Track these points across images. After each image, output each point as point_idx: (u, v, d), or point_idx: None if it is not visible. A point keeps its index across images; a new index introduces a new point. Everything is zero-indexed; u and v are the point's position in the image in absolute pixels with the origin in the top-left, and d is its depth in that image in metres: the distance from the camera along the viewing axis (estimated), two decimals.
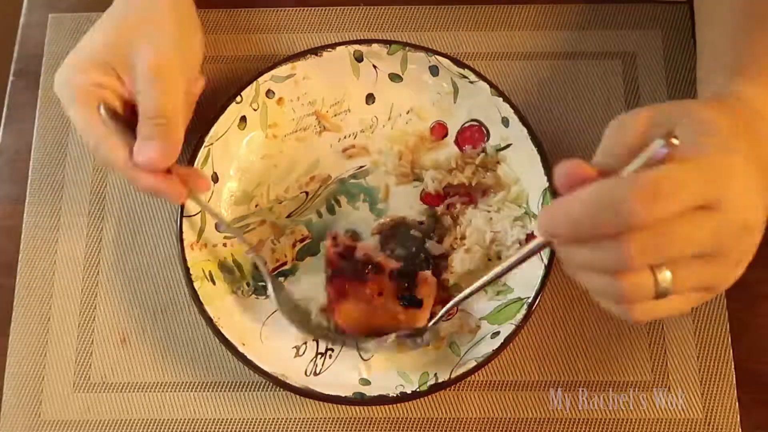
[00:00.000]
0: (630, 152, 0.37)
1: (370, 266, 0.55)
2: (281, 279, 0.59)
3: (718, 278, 0.39)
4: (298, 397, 0.55)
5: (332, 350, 0.57)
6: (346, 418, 0.56)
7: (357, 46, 0.60)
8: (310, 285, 0.58)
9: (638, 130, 0.38)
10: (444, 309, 0.54)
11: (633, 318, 0.38)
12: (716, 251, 0.37)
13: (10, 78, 0.66)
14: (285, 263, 0.59)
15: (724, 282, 0.39)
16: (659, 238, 0.35)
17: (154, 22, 0.53)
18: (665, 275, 0.36)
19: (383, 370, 0.56)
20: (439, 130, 0.61)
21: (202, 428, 0.56)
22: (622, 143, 0.38)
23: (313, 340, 0.56)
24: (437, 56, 0.59)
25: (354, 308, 0.55)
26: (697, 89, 0.53)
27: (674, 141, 0.35)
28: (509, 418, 0.56)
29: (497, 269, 0.46)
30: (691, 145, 0.37)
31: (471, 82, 0.59)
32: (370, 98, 0.62)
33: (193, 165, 0.57)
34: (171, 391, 0.57)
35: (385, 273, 0.55)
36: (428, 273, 0.56)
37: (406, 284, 0.55)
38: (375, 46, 0.60)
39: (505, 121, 0.58)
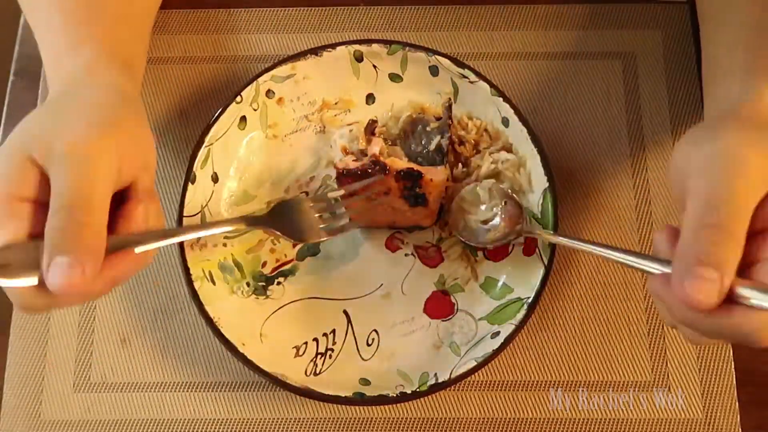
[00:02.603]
0: (744, 233, 0.37)
1: (376, 167, 0.54)
2: (281, 279, 0.59)
3: None
4: (298, 397, 0.55)
5: (332, 350, 0.57)
6: (346, 418, 0.56)
7: (357, 46, 0.60)
8: (310, 285, 0.58)
9: (754, 205, 0.38)
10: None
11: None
12: None
13: (10, 78, 0.66)
14: (285, 263, 0.59)
15: None
16: None
17: (83, 105, 0.45)
18: None
19: (383, 370, 0.56)
20: None
21: (202, 428, 0.56)
22: (740, 225, 0.37)
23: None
24: (437, 56, 0.59)
25: (362, 204, 0.55)
26: (704, 95, 0.52)
27: None
28: (509, 418, 0.56)
29: (607, 252, 0.45)
30: None
31: (471, 82, 0.59)
32: (370, 98, 0.62)
33: (193, 165, 0.57)
34: (171, 391, 0.57)
35: (391, 173, 0.54)
36: (438, 169, 0.55)
37: (410, 184, 0.54)
38: (375, 46, 0.60)
39: (505, 121, 0.58)
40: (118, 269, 0.42)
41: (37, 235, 0.40)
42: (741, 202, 0.37)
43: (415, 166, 0.54)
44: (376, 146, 0.55)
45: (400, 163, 0.55)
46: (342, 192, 0.55)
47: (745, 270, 0.37)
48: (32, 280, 0.39)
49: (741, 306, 0.36)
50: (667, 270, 0.39)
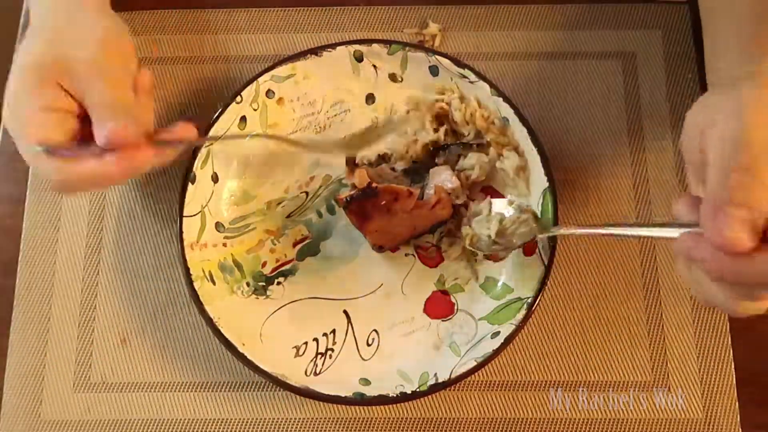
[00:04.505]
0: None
1: (372, 183, 0.55)
2: (281, 279, 0.59)
3: None
4: (298, 397, 0.55)
5: (332, 350, 0.57)
6: (346, 418, 0.56)
7: (357, 46, 0.60)
8: (310, 285, 0.58)
9: None
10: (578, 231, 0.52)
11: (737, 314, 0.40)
12: None
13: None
14: (285, 263, 0.59)
15: None
16: None
17: (83, 26, 0.51)
18: None
19: (383, 370, 0.56)
20: None
21: (202, 428, 0.56)
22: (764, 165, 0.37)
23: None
24: (437, 56, 0.59)
25: (380, 223, 0.55)
26: (706, 70, 0.52)
27: None
28: (509, 418, 0.56)
29: (620, 230, 0.45)
30: None
31: (471, 82, 0.59)
32: (370, 98, 0.62)
33: (193, 165, 0.57)
34: (171, 391, 0.57)
35: (387, 179, 0.55)
36: (440, 167, 0.57)
37: (411, 179, 0.56)
38: (375, 46, 0.60)
39: (505, 121, 0.58)
40: (141, 155, 0.49)
41: (73, 138, 0.49)
42: (761, 142, 0.37)
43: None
44: (363, 176, 0.56)
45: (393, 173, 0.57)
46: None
47: None
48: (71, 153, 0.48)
49: None
50: (688, 230, 0.39)
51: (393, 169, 0.59)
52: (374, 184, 0.55)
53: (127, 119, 0.48)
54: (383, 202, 0.55)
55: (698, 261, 0.39)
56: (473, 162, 0.58)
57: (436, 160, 0.59)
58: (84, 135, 0.49)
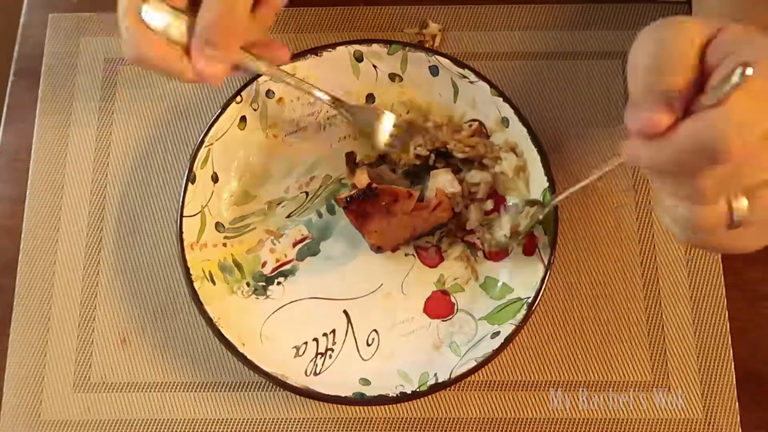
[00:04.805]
0: (689, 69, 0.36)
1: (372, 190, 0.55)
2: (281, 279, 0.59)
3: None
4: (298, 397, 0.55)
5: (332, 350, 0.57)
6: (346, 418, 0.56)
7: (357, 46, 0.60)
8: (310, 285, 0.58)
9: (696, 47, 0.36)
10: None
11: (710, 248, 0.38)
12: None
13: (10, 78, 0.66)
14: (285, 263, 0.59)
15: None
16: (738, 170, 0.35)
17: None
18: (741, 204, 0.36)
19: (383, 370, 0.56)
20: None
21: (202, 428, 0.56)
22: (682, 62, 0.36)
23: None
24: (437, 56, 0.59)
25: (379, 224, 0.55)
26: None
27: (749, 71, 0.33)
28: (509, 418, 0.56)
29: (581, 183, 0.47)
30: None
31: (471, 82, 0.59)
32: (370, 98, 0.62)
33: (193, 165, 0.57)
34: (171, 391, 0.57)
35: (387, 180, 0.56)
36: (441, 169, 0.57)
37: (411, 181, 0.56)
38: (375, 46, 0.60)
39: (505, 121, 0.58)
40: (221, 68, 0.50)
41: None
42: (679, 39, 0.36)
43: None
44: (363, 176, 0.56)
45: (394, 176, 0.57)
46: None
47: None
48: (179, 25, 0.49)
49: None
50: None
51: (393, 170, 0.59)
52: (374, 185, 0.55)
53: (223, 57, 0.49)
54: (383, 203, 0.55)
55: (634, 162, 0.38)
56: (478, 180, 0.58)
57: (437, 164, 0.59)
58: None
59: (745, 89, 0.33)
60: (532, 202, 0.55)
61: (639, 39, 0.38)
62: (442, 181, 0.57)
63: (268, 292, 0.58)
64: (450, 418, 0.56)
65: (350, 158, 0.60)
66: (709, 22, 0.37)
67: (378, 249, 0.58)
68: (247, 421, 0.57)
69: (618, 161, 0.41)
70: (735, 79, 0.33)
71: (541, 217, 0.54)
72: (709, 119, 0.34)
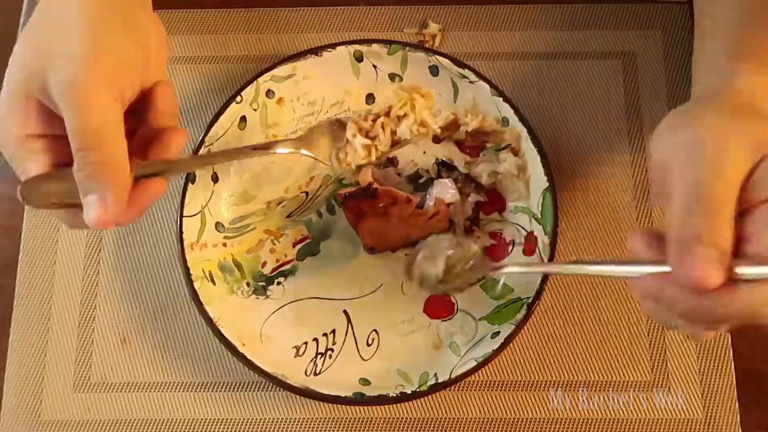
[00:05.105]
0: (731, 222, 0.37)
1: (372, 189, 0.55)
2: (281, 279, 0.59)
3: None
4: (298, 397, 0.55)
5: (332, 350, 0.57)
6: (346, 418, 0.56)
7: (357, 46, 0.60)
8: (310, 285, 0.58)
9: (738, 190, 0.38)
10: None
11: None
12: None
13: None
14: (285, 263, 0.59)
15: None
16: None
17: (65, 32, 0.43)
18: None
19: (383, 370, 0.56)
20: None
21: (202, 428, 0.56)
22: (724, 214, 0.37)
23: None
24: (437, 56, 0.59)
25: (375, 224, 0.55)
26: (693, 74, 0.52)
27: None
28: (509, 418, 0.56)
29: (589, 268, 0.44)
30: None
31: (471, 82, 0.59)
32: (370, 98, 0.62)
33: None
34: (171, 391, 0.57)
35: (391, 182, 0.56)
36: (444, 179, 0.57)
37: (414, 187, 0.56)
38: (375, 46, 0.60)
39: (505, 121, 0.58)
40: (144, 197, 0.44)
41: (64, 163, 0.43)
42: (727, 183, 0.38)
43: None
44: (368, 175, 0.56)
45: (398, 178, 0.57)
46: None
47: (736, 252, 0.38)
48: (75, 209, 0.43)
49: (743, 282, 0.36)
50: (652, 269, 0.39)
51: (399, 174, 0.59)
52: (375, 185, 0.55)
53: (107, 187, 0.41)
54: (381, 204, 0.55)
55: (666, 301, 0.39)
56: (479, 170, 0.58)
57: (442, 175, 0.58)
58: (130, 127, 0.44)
59: None
60: (470, 246, 0.53)
61: (664, 145, 0.40)
62: (443, 189, 0.57)
63: (268, 292, 0.58)
64: (450, 418, 0.56)
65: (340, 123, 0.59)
66: (752, 139, 0.38)
67: (371, 250, 0.58)
68: (247, 421, 0.57)
69: (630, 275, 0.41)
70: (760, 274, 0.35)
71: (481, 276, 0.52)
72: (761, 296, 0.36)
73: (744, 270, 0.36)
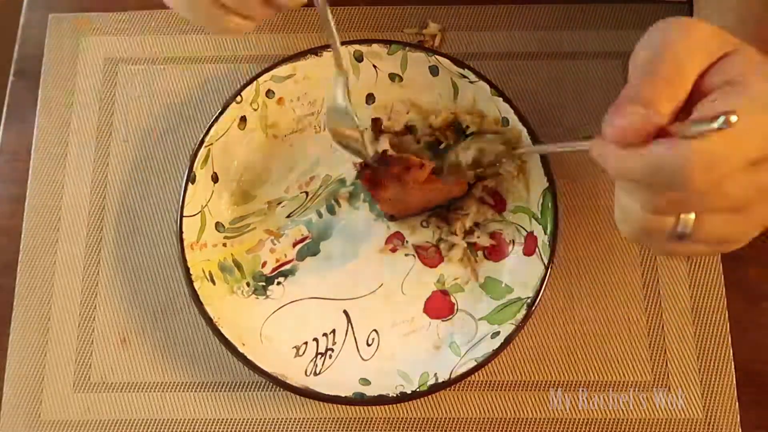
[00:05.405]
0: (686, 87, 0.36)
1: (387, 158, 0.55)
2: (281, 279, 0.59)
3: (738, 235, 0.38)
4: (298, 397, 0.55)
5: (332, 350, 0.57)
6: (346, 418, 0.56)
7: (357, 46, 0.60)
8: (310, 285, 0.58)
9: (702, 65, 0.36)
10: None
11: (654, 251, 0.38)
12: (745, 208, 0.36)
13: (10, 78, 0.66)
14: (285, 263, 0.59)
15: (742, 239, 0.39)
16: (695, 197, 0.35)
17: None
18: (687, 220, 0.36)
19: (383, 370, 0.56)
20: None
21: (202, 428, 0.56)
22: (682, 78, 0.36)
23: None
24: (437, 56, 0.59)
25: (393, 191, 0.56)
26: None
27: (732, 119, 0.33)
28: (509, 418, 0.56)
29: (548, 146, 0.47)
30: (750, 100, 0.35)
31: (471, 82, 0.59)
32: (370, 98, 0.62)
33: (193, 165, 0.57)
34: (171, 391, 0.57)
35: (408, 149, 0.56)
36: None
37: (434, 152, 0.56)
38: (375, 46, 0.60)
39: (505, 121, 0.58)
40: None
41: None
42: (689, 49, 0.36)
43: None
44: (385, 144, 0.56)
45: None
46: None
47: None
48: None
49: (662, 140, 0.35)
50: None
51: (418, 141, 0.59)
52: (389, 152, 0.55)
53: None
54: (394, 171, 0.55)
55: (600, 162, 0.38)
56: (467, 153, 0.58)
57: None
58: None
59: (724, 132, 0.33)
60: (501, 139, 0.55)
61: (649, 34, 0.37)
62: (460, 153, 0.57)
63: (268, 292, 0.58)
64: (450, 418, 0.56)
65: (376, 124, 0.61)
66: (725, 37, 0.37)
67: (391, 218, 0.59)
68: (247, 421, 0.57)
69: (584, 147, 0.40)
70: (716, 125, 0.33)
71: (503, 162, 0.55)
72: (680, 152, 0.34)
73: (675, 128, 0.35)
